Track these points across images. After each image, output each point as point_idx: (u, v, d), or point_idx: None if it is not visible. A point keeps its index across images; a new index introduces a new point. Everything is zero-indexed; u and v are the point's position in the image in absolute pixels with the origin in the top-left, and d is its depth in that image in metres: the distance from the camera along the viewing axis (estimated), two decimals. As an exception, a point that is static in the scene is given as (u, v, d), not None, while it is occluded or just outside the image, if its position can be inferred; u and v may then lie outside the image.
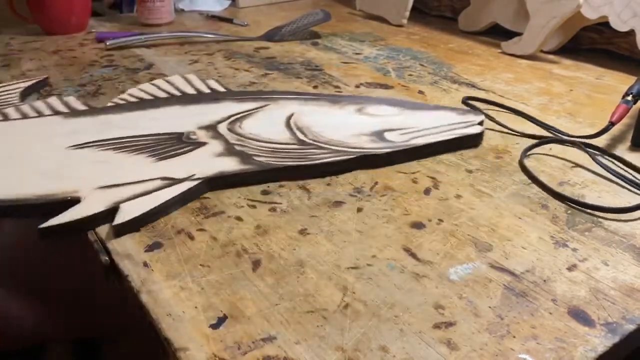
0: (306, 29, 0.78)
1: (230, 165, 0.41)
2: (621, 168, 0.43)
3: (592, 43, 0.73)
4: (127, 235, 0.34)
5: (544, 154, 0.46)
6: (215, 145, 0.44)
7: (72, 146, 0.44)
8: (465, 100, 0.53)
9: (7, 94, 0.54)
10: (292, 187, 0.40)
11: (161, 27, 0.88)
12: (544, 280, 0.31)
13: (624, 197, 0.39)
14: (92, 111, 0.50)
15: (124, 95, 0.53)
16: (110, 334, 0.52)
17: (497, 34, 0.79)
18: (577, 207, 0.38)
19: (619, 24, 0.63)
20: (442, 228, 0.36)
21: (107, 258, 0.33)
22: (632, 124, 0.47)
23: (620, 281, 0.31)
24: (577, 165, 0.44)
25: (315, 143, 0.44)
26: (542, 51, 0.72)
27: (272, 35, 0.78)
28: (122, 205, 0.36)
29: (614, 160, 0.44)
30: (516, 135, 0.49)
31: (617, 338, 0.27)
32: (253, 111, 0.50)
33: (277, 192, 0.40)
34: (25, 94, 0.56)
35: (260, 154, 0.42)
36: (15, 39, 0.80)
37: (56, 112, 0.50)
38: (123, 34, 0.76)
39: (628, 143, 0.47)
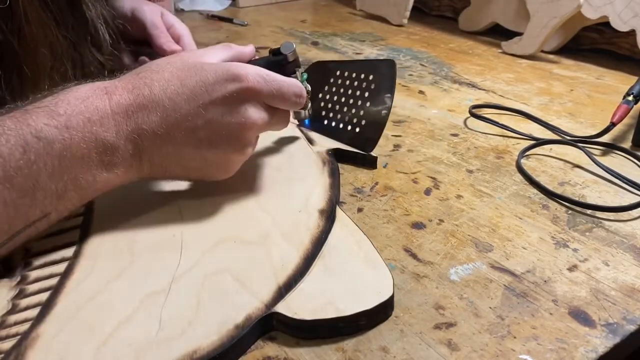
0: None
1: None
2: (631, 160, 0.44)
3: (592, 43, 0.73)
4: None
5: (545, 155, 0.46)
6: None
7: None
8: (471, 111, 0.52)
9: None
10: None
11: (161, 27, 0.87)
12: (545, 281, 0.31)
13: (625, 197, 0.39)
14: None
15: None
16: None
17: (497, 34, 0.79)
18: (576, 206, 0.38)
19: (620, 24, 0.63)
20: (442, 228, 0.36)
21: None
22: (633, 124, 0.47)
23: (620, 281, 0.31)
24: (578, 165, 0.44)
25: None
26: (542, 51, 0.72)
27: None
28: None
29: (621, 153, 0.45)
30: (517, 136, 0.49)
31: (617, 338, 0.27)
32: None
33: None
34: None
35: None
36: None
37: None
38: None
39: (629, 143, 0.47)
